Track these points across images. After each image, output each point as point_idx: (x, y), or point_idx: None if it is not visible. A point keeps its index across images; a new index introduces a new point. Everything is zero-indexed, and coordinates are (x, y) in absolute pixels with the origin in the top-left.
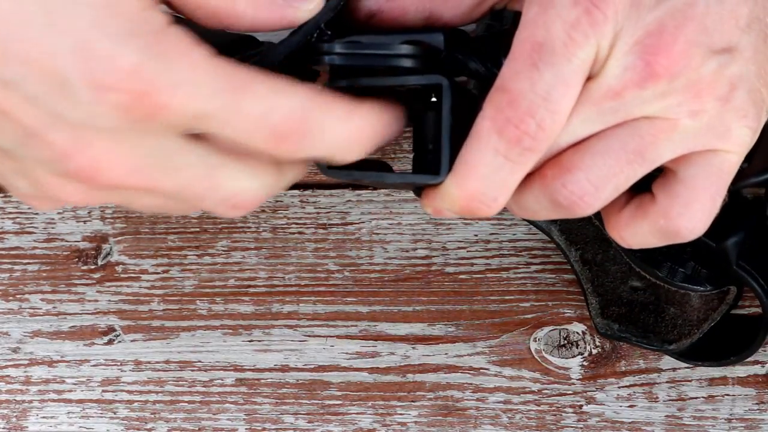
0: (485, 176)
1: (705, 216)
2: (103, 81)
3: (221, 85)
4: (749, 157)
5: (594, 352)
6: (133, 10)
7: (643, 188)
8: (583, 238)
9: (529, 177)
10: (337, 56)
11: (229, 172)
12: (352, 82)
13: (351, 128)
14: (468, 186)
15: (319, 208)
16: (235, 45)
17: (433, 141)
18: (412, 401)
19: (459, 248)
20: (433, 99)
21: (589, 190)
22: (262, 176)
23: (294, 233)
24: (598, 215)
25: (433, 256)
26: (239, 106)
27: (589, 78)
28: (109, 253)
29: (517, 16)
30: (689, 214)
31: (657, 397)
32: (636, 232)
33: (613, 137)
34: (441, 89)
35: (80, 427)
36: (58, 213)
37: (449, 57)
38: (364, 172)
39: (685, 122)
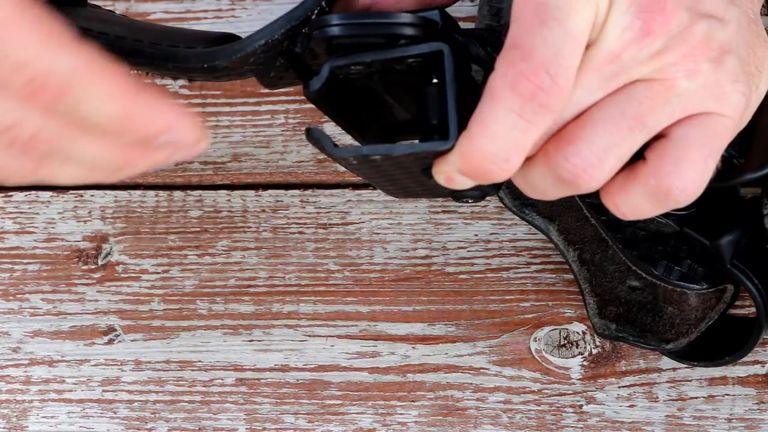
0: (498, 135)
1: (696, 176)
2: None
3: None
4: (746, 153)
5: (594, 352)
6: None
7: (637, 157)
8: (581, 238)
9: (534, 155)
10: (337, 27)
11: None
12: (351, 59)
13: (118, 108)
14: (480, 145)
15: (320, 208)
16: (218, 41)
17: (439, 111)
18: (412, 401)
19: (459, 248)
20: (435, 80)
21: (592, 161)
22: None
23: (294, 233)
24: (595, 215)
25: (434, 256)
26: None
27: (588, 46)
28: (109, 253)
29: None
30: (679, 172)
31: (657, 397)
32: (629, 197)
33: (612, 104)
34: (443, 57)
35: (80, 427)
36: (59, 213)
37: (451, 40)
38: (373, 146)
39: (681, 83)
